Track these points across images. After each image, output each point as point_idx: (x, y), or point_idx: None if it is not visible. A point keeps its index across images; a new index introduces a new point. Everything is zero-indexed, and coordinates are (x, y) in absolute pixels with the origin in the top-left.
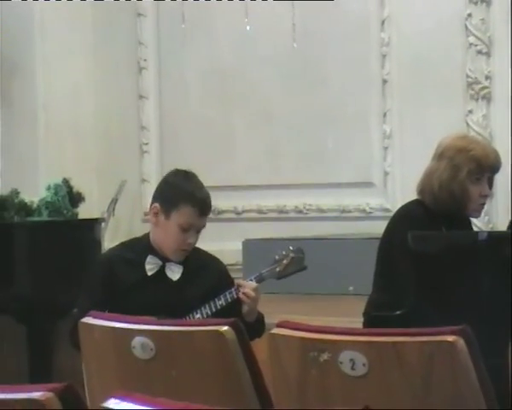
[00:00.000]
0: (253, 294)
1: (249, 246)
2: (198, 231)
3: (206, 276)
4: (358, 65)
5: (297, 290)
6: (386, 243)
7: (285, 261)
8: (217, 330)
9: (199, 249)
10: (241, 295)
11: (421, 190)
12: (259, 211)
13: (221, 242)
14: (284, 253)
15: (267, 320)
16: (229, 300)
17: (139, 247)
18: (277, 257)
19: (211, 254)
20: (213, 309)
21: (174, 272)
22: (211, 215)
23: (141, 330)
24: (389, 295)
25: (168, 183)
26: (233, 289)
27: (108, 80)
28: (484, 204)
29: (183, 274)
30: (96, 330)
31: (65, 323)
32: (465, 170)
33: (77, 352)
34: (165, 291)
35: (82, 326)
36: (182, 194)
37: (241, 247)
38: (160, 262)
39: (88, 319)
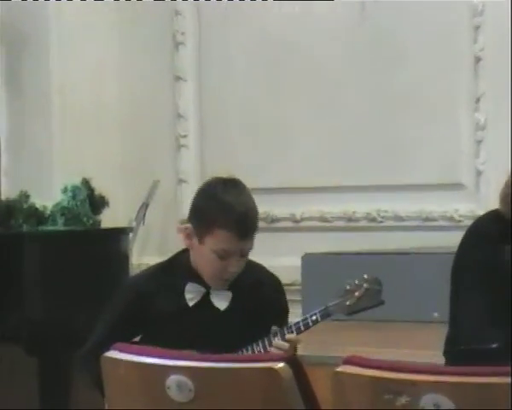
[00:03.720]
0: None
1: (310, 262)
2: (243, 255)
3: (260, 299)
4: (444, 39)
5: (368, 317)
6: (457, 265)
7: (357, 294)
8: (270, 368)
9: (251, 263)
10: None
11: (504, 198)
12: (323, 219)
13: (275, 257)
14: (357, 283)
15: (331, 353)
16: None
17: (178, 270)
18: (348, 287)
19: (266, 270)
20: (267, 347)
21: (221, 300)
22: (263, 224)
23: (177, 367)
24: (467, 328)
25: (201, 197)
26: (292, 325)
27: (137, 59)
28: None
29: (231, 301)
30: (123, 366)
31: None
32: None
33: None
34: (209, 322)
35: (106, 361)
36: (215, 214)
37: (299, 263)
38: (204, 289)
39: (113, 353)
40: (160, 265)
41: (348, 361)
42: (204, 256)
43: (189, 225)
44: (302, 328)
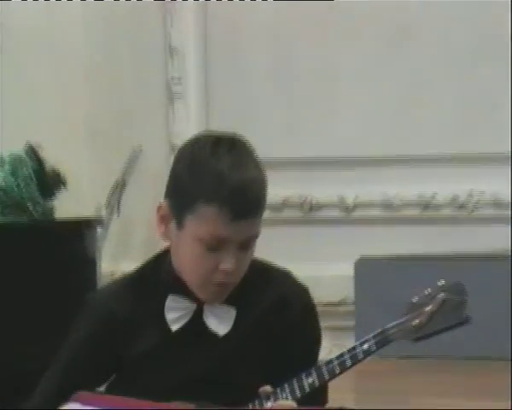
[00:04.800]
0: None
1: (367, 269)
2: (244, 247)
3: (281, 322)
4: None
5: (446, 352)
6: None
7: (430, 308)
8: None
9: (267, 267)
10: None
11: None
12: (386, 205)
13: (313, 262)
14: (429, 292)
15: (392, 407)
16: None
17: (158, 278)
18: (416, 300)
19: (290, 278)
20: (296, 393)
21: (220, 321)
22: (298, 213)
23: None
24: None
25: (181, 161)
26: (334, 360)
27: None
28: None
29: (236, 322)
30: None
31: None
32: None
33: None
34: (205, 356)
35: None
36: (199, 184)
37: (351, 271)
38: (193, 305)
39: (71, 406)
40: (136, 273)
41: None
42: (185, 248)
43: (163, 203)
44: (349, 362)
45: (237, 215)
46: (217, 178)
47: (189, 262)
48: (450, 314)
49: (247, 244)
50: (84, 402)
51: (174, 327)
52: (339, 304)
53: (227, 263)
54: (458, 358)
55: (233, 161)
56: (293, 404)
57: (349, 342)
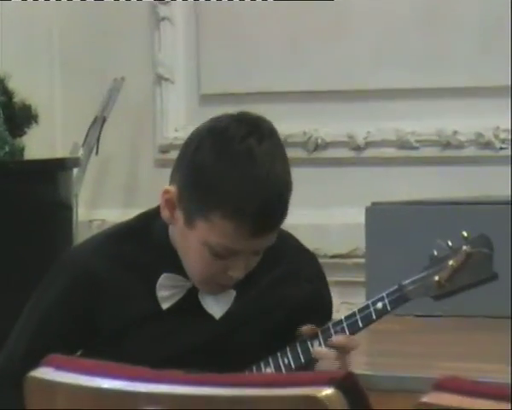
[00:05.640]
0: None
1: (379, 217)
2: (257, 254)
3: (286, 295)
4: None
5: (473, 311)
6: None
7: (452, 262)
8: (310, 396)
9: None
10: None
11: None
12: (401, 144)
13: (319, 208)
14: (451, 245)
15: (412, 371)
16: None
17: (147, 245)
18: (437, 253)
19: (296, 243)
20: (300, 359)
21: (216, 303)
22: (302, 153)
23: (154, 396)
24: None
25: (201, 146)
26: (343, 320)
27: None
28: None
29: (235, 301)
30: (62, 393)
31: None
32: None
33: None
34: (199, 332)
35: (32, 384)
36: (222, 189)
37: (362, 218)
38: (188, 283)
39: (45, 372)
40: (118, 230)
41: (441, 386)
42: (191, 247)
43: (171, 189)
44: (361, 324)
45: (257, 233)
46: (246, 187)
47: (192, 262)
48: (476, 269)
49: (260, 251)
50: (57, 366)
51: (165, 305)
52: (348, 256)
53: (236, 271)
54: (486, 316)
55: (267, 163)
56: (332, 353)
57: (359, 300)
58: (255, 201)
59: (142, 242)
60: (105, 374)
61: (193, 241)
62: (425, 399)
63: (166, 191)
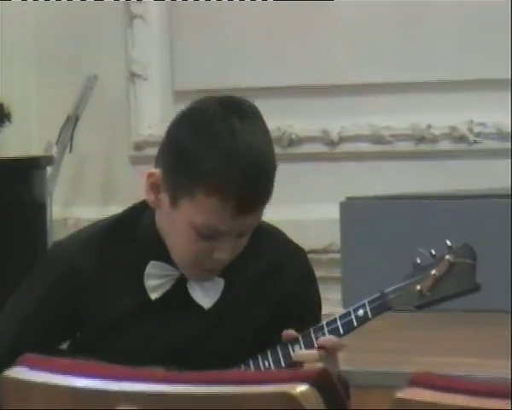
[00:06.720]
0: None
1: (354, 212)
2: (242, 235)
3: (275, 290)
4: None
5: (451, 304)
6: None
7: (435, 272)
8: (287, 394)
9: (260, 227)
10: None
11: None
12: (375, 138)
13: (294, 204)
14: (434, 253)
15: (389, 367)
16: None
17: (134, 237)
18: (419, 261)
19: (285, 238)
20: (281, 362)
21: (205, 293)
22: (276, 150)
23: (132, 394)
24: None
25: (183, 128)
26: (324, 326)
27: None
28: None
29: (223, 293)
30: (37, 393)
31: None
32: None
33: None
34: (184, 328)
35: (6, 384)
36: (205, 165)
37: (336, 214)
38: (176, 272)
39: (19, 371)
40: (105, 225)
41: (415, 382)
42: (176, 230)
43: (156, 171)
44: (342, 330)
45: (242, 211)
46: (227, 161)
47: (179, 245)
48: (459, 280)
49: (246, 232)
50: (31, 366)
51: (153, 296)
52: (323, 251)
53: (222, 253)
54: (463, 311)
55: (247, 138)
56: (314, 353)
57: (335, 296)
58: (237, 174)
59: (130, 235)
60: (81, 373)
61: (179, 223)
62: (400, 394)
63: (151, 174)
